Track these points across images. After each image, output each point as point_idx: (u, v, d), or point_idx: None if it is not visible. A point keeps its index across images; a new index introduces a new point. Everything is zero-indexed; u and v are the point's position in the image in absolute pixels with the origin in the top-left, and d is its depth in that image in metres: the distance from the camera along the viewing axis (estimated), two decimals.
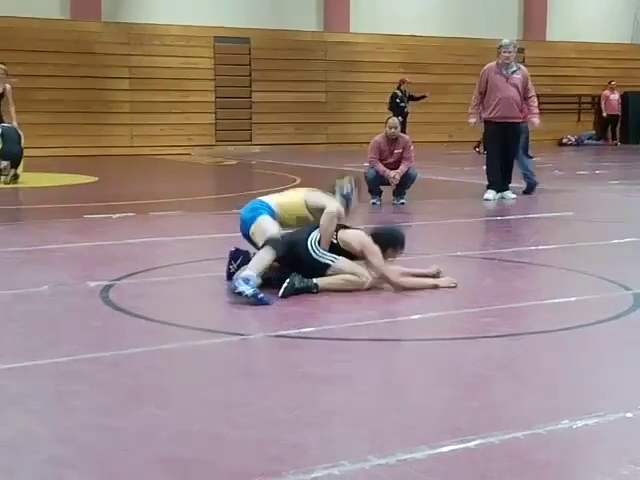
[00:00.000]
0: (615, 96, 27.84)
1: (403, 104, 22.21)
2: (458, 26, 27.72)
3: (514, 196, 12.27)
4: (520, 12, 29.69)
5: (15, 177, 14.50)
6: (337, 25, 26.55)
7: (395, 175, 11.35)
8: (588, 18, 30.20)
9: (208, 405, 3.90)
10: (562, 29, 29.60)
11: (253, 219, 6.39)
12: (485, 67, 12.42)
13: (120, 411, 3.77)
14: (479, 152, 20.78)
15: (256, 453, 3.35)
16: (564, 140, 28.02)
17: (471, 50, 27.60)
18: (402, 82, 22.67)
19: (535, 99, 12.35)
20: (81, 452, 3.36)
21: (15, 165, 14.62)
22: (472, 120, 12.51)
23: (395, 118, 11.77)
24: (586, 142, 28.14)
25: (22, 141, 14.93)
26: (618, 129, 28.82)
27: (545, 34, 28.36)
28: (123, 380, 4.25)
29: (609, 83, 27.64)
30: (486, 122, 12.37)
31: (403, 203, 11.50)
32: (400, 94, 22.38)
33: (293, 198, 6.66)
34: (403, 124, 19.82)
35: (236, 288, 5.71)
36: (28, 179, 14.68)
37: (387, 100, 22.76)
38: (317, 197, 6.56)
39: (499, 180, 12.30)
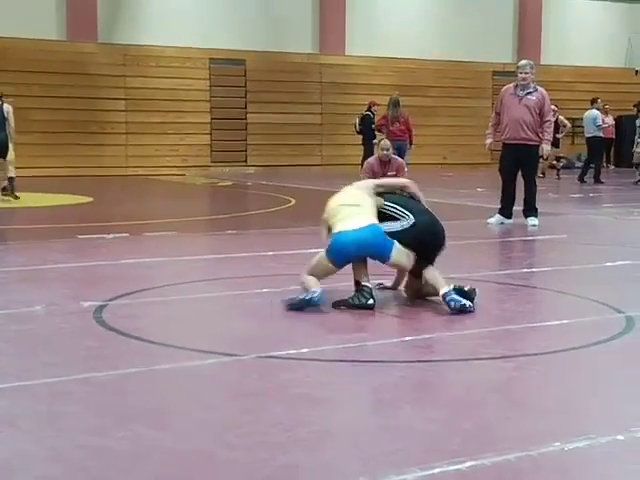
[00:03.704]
0: (609, 120, 27.93)
1: (374, 126, 21.64)
2: (452, 49, 27.87)
3: (534, 223, 11.77)
4: (515, 36, 29.88)
5: (4, 190, 14.62)
6: (332, 47, 26.69)
7: None
8: (582, 42, 30.40)
9: (200, 426, 3.89)
10: (556, 53, 29.77)
11: (390, 247, 6.38)
12: (504, 88, 12.18)
13: (112, 431, 3.77)
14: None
15: (247, 474, 3.34)
16: (553, 162, 28.02)
17: (465, 73, 27.80)
18: (373, 104, 21.99)
19: (550, 124, 11.86)
20: (73, 472, 3.35)
21: (2, 154, 14.56)
22: (488, 141, 12.25)
23: (387, 140, 11.74)
24: (577, 165, 28.14)
25: (9, 125, 14.81)
26: (612, 152, 28.90)
27: (540, 57, 28.50)
28: (116, 400, 4.24)
29: (603, 107, 27.72)
30: (502, 145, 12.12)
31: None
32: (372, 116, 21.63)
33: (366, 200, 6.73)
34: (372, 147, 19.48)
35: (460, 303, 6.11)
36: (23, 199, 14.70)
37: (354, 122, 22.10)
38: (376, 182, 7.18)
39: (508, 206, 11.99)
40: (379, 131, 17.95)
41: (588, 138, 22.10)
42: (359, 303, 6.22)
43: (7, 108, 14.92)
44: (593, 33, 30.77)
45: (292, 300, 6.23)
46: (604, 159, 28.76)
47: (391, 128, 17.33)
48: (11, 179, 14.64)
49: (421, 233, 6.53)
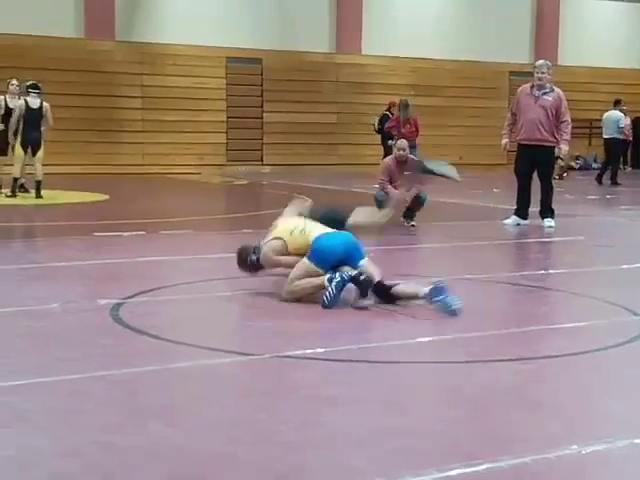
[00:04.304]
0: (627, 121, 27.80)
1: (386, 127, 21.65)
2: (469, 49, 27.79)
3: (550, 224, 11.69)
4: (532, 36, 29.78)
5: (21, 187, 14.81)
6: (348, 47, 26.66)
7: (405, 197, 11.36)
8: (600, 42, 30.26)
9: (213, 424, 3.89)
10: (574, 53, 29.65)
11: (362, 251, 6.54)
12: (520, 88, 12.13)
13: (126, 428, 3.77)
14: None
15: (258, 473, 3.34)
16: (571, 163, 27.95)
17: (482, 73, 27.72)
18: (392, 104, 22.11)
19: (567, 125, 11.68)
20: (86, 468, 3.36)
21: (34, 152, 14.75)
22: (504, 141, 12.18)
23: (404, 140, 11.80)
24: (594, 167, 28.05)
25: (46, 122, 14.98)
26: (629, 154, 28.75)
27: (557, 58, 28.39)
28: (130, 398, 4.25)
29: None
30: (518, 145, 12.07)
31: (413, 225, 11.51)
32: (390, 116, 21.79)
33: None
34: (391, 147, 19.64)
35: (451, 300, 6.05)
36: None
37: (373, 122, 22.24)
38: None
39: (524, 207, 11.91)
40: (390, 133, 18.25)
41: (607, 139, 21.99)
42: (348, 276, 6.22)
43: (46, 106, 14.99)
44: (611, 34, 30.63)
45: (327, 297, 6.19)
46: (621, 160, 28.66)
47: (402, 130, 17.57)
48: (38, 182, 14.69)
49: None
